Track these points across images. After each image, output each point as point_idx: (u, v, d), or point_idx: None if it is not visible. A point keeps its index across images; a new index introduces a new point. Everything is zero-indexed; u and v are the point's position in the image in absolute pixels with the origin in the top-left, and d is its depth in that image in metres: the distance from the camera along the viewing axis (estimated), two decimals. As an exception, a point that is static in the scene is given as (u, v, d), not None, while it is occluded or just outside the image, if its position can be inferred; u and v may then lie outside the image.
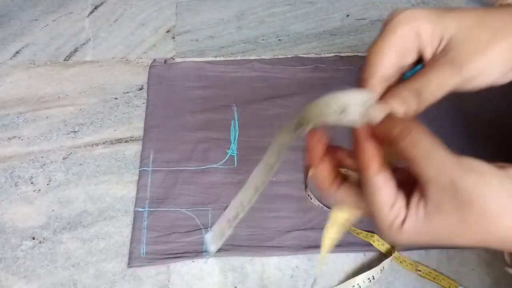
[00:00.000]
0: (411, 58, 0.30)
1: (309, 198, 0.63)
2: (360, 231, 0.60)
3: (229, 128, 0.75)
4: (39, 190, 0.65)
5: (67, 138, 0.73)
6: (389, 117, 0.28)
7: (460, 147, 0.29)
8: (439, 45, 0.28)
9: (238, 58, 0.91)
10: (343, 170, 0.32)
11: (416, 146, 0.25)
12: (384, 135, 0.27)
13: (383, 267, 0.56)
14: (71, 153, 0.71)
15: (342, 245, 0.59)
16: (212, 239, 0.44)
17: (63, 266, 0.57)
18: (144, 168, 0.68)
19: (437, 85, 0.28)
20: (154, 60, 0.88)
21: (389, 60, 0.29)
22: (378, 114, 0.29)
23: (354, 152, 0.30)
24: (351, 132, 0.32)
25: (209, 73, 0.86)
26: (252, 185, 0.42)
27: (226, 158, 0.70)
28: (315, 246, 0.59)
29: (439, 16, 0.27)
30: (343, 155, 0.33)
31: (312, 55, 0.93)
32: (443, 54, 0.27)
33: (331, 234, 0.35)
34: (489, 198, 0.23)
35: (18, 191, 0.65)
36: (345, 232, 0.59)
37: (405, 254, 0.58)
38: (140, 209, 0.62)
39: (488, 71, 0.27)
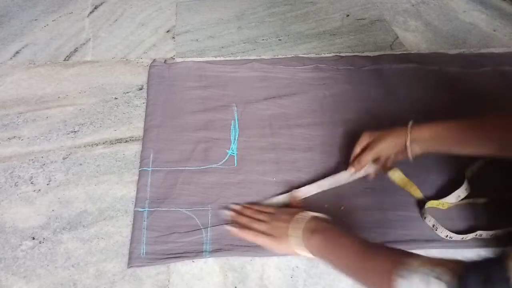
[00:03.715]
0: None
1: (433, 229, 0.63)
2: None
3: (229, 128, 0.75)
4: (39, 190, 0.65)
5: (67, 138, 0.73)
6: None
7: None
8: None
9: (238, 58, 0.91)
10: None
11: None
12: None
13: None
14: (71, 153, 0.71)
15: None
16: None
17: (63, 266, 0.57)
18: (144, 168, 0.68)
19: (365, 157, 0.62)
20: (154, 60, 0.88)
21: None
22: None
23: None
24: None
25: (209, 73, 0.86)
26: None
27: (226, 158, 0.70)
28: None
29: (370, 135, 0.63)
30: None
31: (312, 55, 0.93)
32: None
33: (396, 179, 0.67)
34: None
35: (18, 191, 0.65)
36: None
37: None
38: (140, 209, 0.62)
39: (385, 150, 0.61)
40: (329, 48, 0.95)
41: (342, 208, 0.63)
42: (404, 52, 0.94)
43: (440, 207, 0.62)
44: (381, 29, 1.01)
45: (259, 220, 0.58)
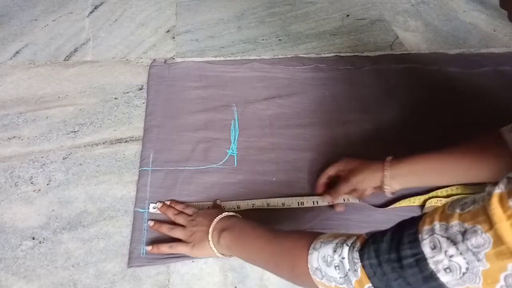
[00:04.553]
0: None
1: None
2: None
3: (229, 128, 0.75)
4: (39, 190, 0.65)
5: (67, 138, 0.73)
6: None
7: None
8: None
9: (238, 58, 0.91)
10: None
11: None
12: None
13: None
14: (71, 153, 0.71)
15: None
16: None
17: (63, 266, 0.57)
18: (144, 168, 0.68)
19: (342, 189, 0.62)
20: (154, 60, 0.88)
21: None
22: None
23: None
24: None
25: (209, 73, 0.86)
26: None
27: (226, 158, 0.70)
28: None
29: (346, 164, 0.63)
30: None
31: (312, 55, 0.93)
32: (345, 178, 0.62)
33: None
34: None
35: (18, 191, 0.65)
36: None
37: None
38: (140, 210, 0.62)
39: (362, 183, 0.61)
40: (329, 48, 0.95)
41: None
42: (404, 52, 0.94)
43: (439, 204, 0.62)
44: (381, 29, 1.01)
45: (179, 224, 0.59)
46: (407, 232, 0.34)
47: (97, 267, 0.57)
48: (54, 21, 1.00)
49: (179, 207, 0.61)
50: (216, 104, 0.79)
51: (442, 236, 0.32)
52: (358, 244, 0.38)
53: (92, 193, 0.65)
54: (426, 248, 0.32)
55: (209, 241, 0.53)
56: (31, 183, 0.66)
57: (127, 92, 0.82)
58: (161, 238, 0.59)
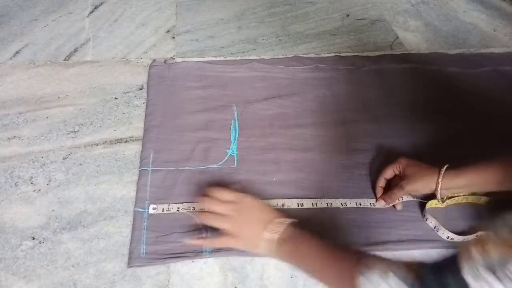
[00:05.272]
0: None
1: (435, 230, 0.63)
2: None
3: (229, 128, 0.75)
4: (39, 190, 0.65)
5: (67, 138, 0.73)
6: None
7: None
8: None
9: (238, 58, 0.91)
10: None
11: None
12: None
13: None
14: (71, 153, 0.71)
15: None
16: None
17: (63, 266, 0.57)
18: (144, 168, 0.68)
19: (396, 195, 0.63)
20: (154, 60, 0.88)
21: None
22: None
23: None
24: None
25: (209, 73, 0.86)
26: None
27: (226, 158, 0.70)
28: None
29: (403, 167, 0.63)
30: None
31: (312, 55, 0.93)
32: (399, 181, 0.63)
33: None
34: None
35: (18, 191, 0.65)
36: (346, 233, 0.59)
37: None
38: (140, 210, 0.62)
39: (416, 191, 0.62)
40: (329, 48, 0.95)
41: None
42: (404, 52, 0.94)
43: (439, 205, 0.62)
44: (381, 29, 1.01)
45: (221, 214, 0.56)
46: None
47: (97, 267, 0.57)
48: (54, 21, 1.00)
49: (217, 194, 0.58)
50: (216, 104, 0.79)
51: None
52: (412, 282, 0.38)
53: (92, 193, 0.65)
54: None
55: (261, 240, 0.52)
56: (31, 183, 0.66)
57: (127, 92, 0.82)
58: (161, 239, 0.59)
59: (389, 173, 0.64)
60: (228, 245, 0.55)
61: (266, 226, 0.53)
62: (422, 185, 0.61)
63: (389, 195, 0.63)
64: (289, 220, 0.54)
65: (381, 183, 0.65)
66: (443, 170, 0.59)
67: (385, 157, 0.69)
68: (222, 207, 0.56)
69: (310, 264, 0.50)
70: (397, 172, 0.64)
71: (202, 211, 0.58)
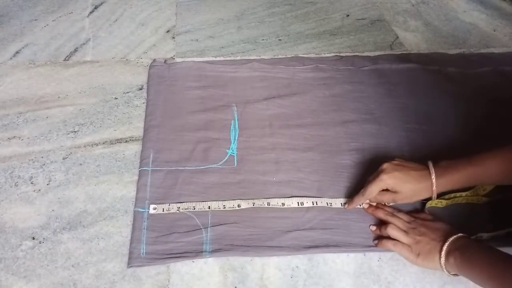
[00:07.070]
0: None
1: None
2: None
3: (229, 128, 0.75)
4: (39, 190, 0.65)
5: (67, 138, 0.73)
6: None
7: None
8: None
9: (238, 58, 0.91)
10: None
11: None
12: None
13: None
14: (71, 153, 0.71)
15: (341, 246, 0.59)
16: None
17: (63, 266, 0.57)
18: (144, 168, 0.68)
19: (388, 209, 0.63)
20: (154, 60, 0.88)
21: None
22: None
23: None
24: None
25: (209, 73, 0.86)
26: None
27: (226, 158, 0.70)
28: (315, 246, 0.59)
29: (385, 181, 0.59)
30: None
31: (312, 55, 0.93)
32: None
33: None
34: None
35: (18, 191, 0.65)
36: (346, 233, 0.59)
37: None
38: (140, 210, 0.62)
39: (405, 199, 0.60)
40: (329, 48, 0.95)
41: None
42: (404, 52, 0.94)
43: (439, 205, 0.62)
44: (381, 29, 1.01)
45: (399, 228, 0.59)
46: None
47: (97, 267, 0.57)
48: (54, 21, 1.00)
49: (389, 209, 0.62)
50: (216, 104, 0.79)
51: None
52: None
53: (92, 193, 0.65)
54: None
55: (440, 258, 0.53)
56: (31, 183, 0.66)
57: (127, 92, 0.82)
58: (161, 239, 0.59)
59: (374, 194, 0.61)
60: (405, 257, 0.57)
61: (445, 242, 0.54)
62: (418, 198, 0.60)
63: (378, 200, 0.62)
64: (460, 234, 0.55)
65: (365, 204, 0.64)
66: (432, 169, 0.58)
67: (384, 157, 0.69)
68: (398, 221, 0.60)
69: (484, 276, 0.50)
70: (384, 188, 0.61)
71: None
